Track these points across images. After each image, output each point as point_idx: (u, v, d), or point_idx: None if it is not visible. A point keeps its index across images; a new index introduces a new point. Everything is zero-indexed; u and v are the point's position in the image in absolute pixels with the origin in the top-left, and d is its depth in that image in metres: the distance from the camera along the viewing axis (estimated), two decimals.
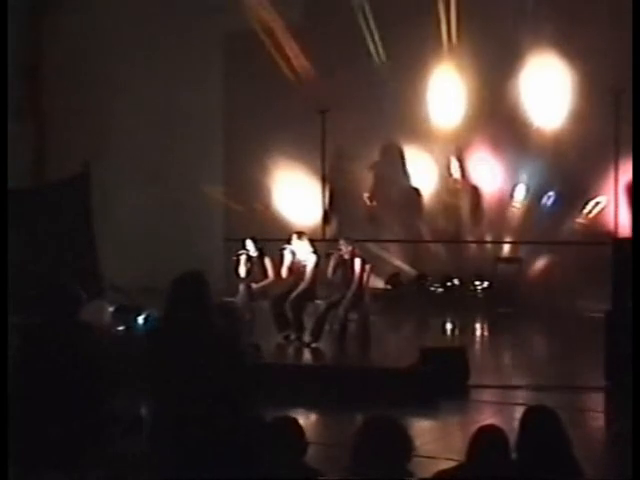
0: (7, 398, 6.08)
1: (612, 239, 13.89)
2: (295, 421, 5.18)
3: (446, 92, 17.83)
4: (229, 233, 18.02)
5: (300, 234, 13.53)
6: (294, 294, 13.07)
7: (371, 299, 13.33)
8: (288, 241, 13.41)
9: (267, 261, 13.33)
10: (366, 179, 18.57)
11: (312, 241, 13.67)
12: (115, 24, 18.39)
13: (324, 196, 18.40)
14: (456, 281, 17.64)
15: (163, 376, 5.37)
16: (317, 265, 13.17)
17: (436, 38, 17.43)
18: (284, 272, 13.27)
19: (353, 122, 17.46)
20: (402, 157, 18.29)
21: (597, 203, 17.07)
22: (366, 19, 17.76)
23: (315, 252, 13.26)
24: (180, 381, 5.28)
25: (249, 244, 13.40)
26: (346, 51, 17.53)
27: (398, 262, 18.36)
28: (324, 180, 18.35)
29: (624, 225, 15.75)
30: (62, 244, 14.22)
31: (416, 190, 18.30)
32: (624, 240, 12.02)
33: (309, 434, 5.20)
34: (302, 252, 13.24)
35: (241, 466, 5.12)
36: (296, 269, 13.21)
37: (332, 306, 12.95)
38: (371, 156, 18.38)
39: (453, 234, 18.20)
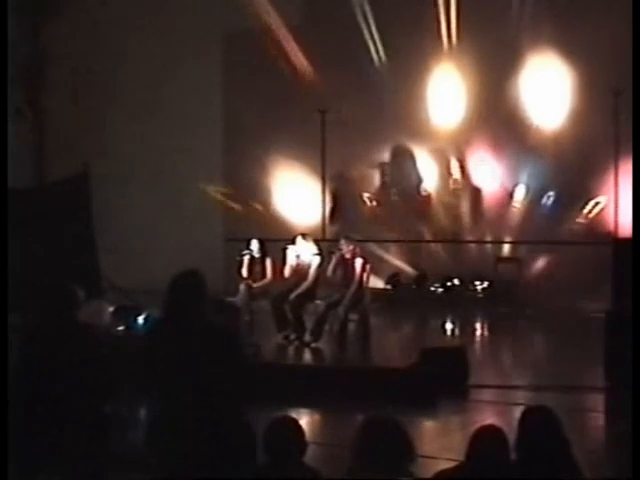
0: (7, 398, 6.08)
1: (612, 239, 13.90)
2: (295, 421, 5.18)
3: (446, 92, 17.84)
4: (229, 233, 18.02)
5: (305, 235, 13.55)
6: (294, 294, 13.07)
7: (371, 299, 13.32)
8: (293, 242, 13.41)
9: (268, 261, 13.36)
10: (366, 179, 18.58)
11: (315, 241, 13.69)
12: (115, 24, 18.41)
13: (324, 196, 18.39)
14: (456, 281, 17.65)
15: (162, 376, 5.36)
16: (320, 266, 13.18)
17: (436, 38, 17.44)
18: (287, 272, 13.28)
19: (353, 122, 17.46)
20: (402, 157, 18.29)
21: (597, 203, 17.07)
22: (366, 19, 17.77)
23: (320, 253, 13.26)
24: (179, 381, 5.27)
25: (254, 244, 13.40)
26: (346, 51, 17.53)
27: (398, 262, 18.36)
28: (324, 180, 18.35)
29: (624, 225, 15.74)
30: (62, 244, 14.21)
31: (416, 190, 18.30)
32: (624, 240, 12.03)
33: (309, 434, 5.20)
34: (306, 253, 13.24)
35: (241, 466, 5.11)
36: (299, 269, 13.21)
37: (332, 306, 12.94)
38: (371, 156, 18.38)
39: (453, 234, 18.20)
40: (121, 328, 12.28)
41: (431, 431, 9.73)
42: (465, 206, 18.04)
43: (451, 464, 5.23)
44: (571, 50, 16.64)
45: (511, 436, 4.96)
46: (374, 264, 13.75)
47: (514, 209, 17.64)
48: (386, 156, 18.42)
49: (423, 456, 6.83)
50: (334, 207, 18.59)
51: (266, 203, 18.86)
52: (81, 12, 18.88)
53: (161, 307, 5.52)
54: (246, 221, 18.05)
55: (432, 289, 17.76)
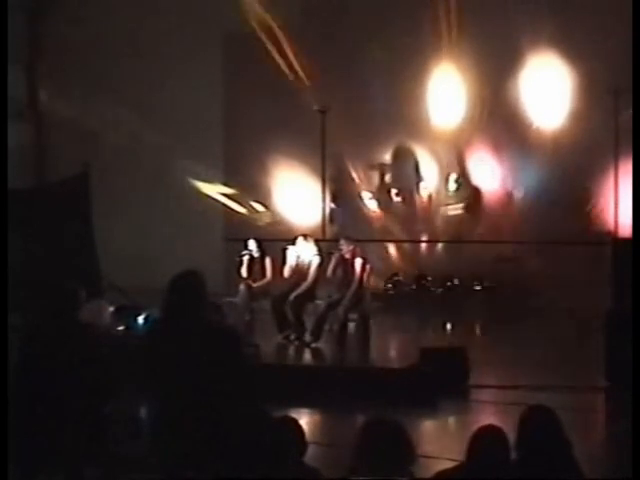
0: (7, 398, 6.08)
1: (612, 239, 13.89)
2: (295, 421, 5.18)
3: (446, 92, 17.83)
4: (229, 233, 18.02)
5: (306, 236, 13.56)
6: (295, 294, 13.07)
7: (371, 299, 13.31)
8: (293, 242, 13.41)
9: (267, 261, 13.36)
10: (366, 179, 18.58)
11: (315, 241, 13.69)
12: (115, 24, 18.41)
13: (324, 196, 18.39)
14: (456, 281, 17.65)
15: (162, 376, 5.36)
16: (320, 266, 13.18)
17: (436, 38, 17.43)
18: (286, 272, 13.28)
19: (353, 122, 17.45)
20: (402, 157, 18.30)
21: (597, 203, 17.06)
22: (366, 19, 17.76)
23: (320, 254, 13.26)
24: (179, 381, 5.27)
25: (252, 244, 13.41)
26: (346, 51, 17.53)
27: (398, 262, 18.35)
28: (324, 180, 18.34)
29: (624, 225, 15.74)
30: (62, 244, 14.21)
31: (416, 190, 18.30)
32: (624, 240, 12.03)
33: (309, 434, 5.20)
34: (306, 253, 13.24)
35: (241, 466, 5.11)
36: (299, 270, 13.21)
37: (332, 306, 12.94)
38: (371, 156, 18.38)
39: (453, 234, 18.20)
40: (121, 328, 12.29)
41: (431, 431, 9.73)
42: (465, 206, 18.03)
43: (451, 464, 5.23)
44: (571, 50, 16.64)
45: (511, 436, 4.95)
46: (374, 264, 13.74)
47: (514, 209, 17.64)
48: (386, 156, 18.41)
49: (423, 456, 6.83)
50: (334, 207, 18.58)
51: (266, 203, 18.86)
52: (81, 12, 18.88)
53: (161, 307, 5.52)
54: (246, 221, 18.05)
55: (432, 289, 17.75)
